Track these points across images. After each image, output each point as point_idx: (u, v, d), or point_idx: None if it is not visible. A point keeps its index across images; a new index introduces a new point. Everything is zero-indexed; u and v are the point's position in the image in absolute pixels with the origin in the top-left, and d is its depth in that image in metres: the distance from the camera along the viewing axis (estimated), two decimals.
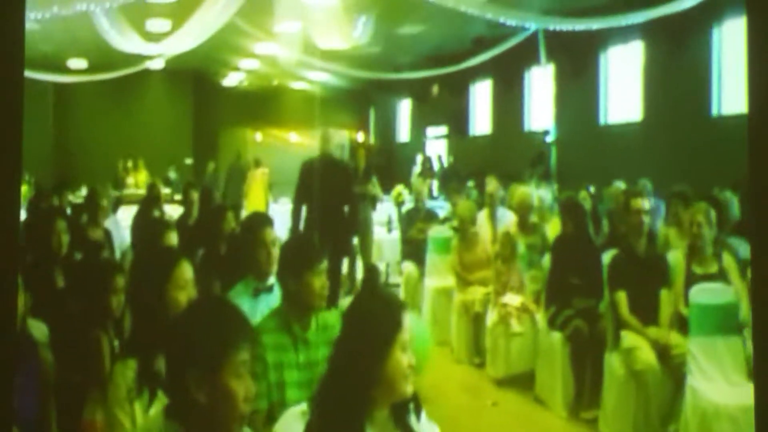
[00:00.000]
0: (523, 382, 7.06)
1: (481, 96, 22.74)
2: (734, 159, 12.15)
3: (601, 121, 17.16)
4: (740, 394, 5.14)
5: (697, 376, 5.33)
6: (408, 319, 2.61)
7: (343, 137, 24.30)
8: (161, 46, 15.57)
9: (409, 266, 10.06)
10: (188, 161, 24.94)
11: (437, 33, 18.94)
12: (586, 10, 14.58)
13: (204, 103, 26.46)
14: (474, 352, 8.00)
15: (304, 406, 2.67)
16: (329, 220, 8.05)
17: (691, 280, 5.89)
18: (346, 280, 9.25)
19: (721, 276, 5.92)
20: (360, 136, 27.61)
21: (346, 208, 8.54)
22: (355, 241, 9.96)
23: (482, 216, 9.17)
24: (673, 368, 5.56)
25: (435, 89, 23.30)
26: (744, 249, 6.86)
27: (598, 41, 16.29)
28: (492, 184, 10.22)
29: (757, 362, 1.81)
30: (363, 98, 28.41)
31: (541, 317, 7.03)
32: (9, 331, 1.94)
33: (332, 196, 8.21)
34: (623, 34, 15.38)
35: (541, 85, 19.04)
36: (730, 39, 13.90)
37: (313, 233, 7.66)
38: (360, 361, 2.55)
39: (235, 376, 2.29)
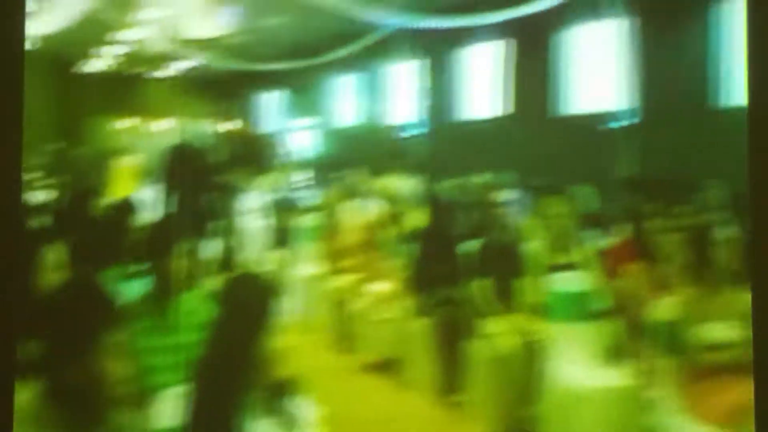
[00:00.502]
0: (392, 367, 7.11)
1: (349, 88, 22.77)
2: (591, 155, 12.61)
3: (466, 115, 17.43)
4: (598, 376, 5.34)
5: (556, 360, 5.49)
6: (281, 302, 2.60)
7: (209, 126, 23.91)
8: None
9: (278, 254, 9.99)
10: (52, 147, 24.01)
11: (303, 25, 18.84)
12: (446, 8, 14.77)
13: (68, 89, 25.51)
14: (344, 339, 8.01)
15: (179, 389, 2.62)
16: (191, 206, 7.92)
17: (550, 268, 6.07)
18: (210, 265, 9.11)
19: (579, 265, 6.13)
20: (227, 126, 27.21)
21: (209, 196, 8.42)
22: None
23: (350, 205, 9.19)
24: (535, 353, 5.70)
25: (303, 81, 23.21)
26: (599, 241, 7.12)
27: (461, 38, 16.53)
28: (359, 175, 10.27)
29: (757, 364, 1.82)
30: (230, 88, 27.99)
31: (408, 304, 7.10)
32: (9, 331, 1.90)
33: (195, 184, 8.07)
34: (485, 33, 15.65)
35: (406, 79, 19.20)
36: (582, 41, 14.37)
37: (175, 218, 7.52)
38: (235, 344, 2.51)
39: (108, 358, 2.23)
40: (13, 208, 1.84)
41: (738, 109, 11.33)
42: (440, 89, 17.69)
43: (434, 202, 7.48)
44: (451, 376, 6.45)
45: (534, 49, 14.88)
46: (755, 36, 1.68)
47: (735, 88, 11.50)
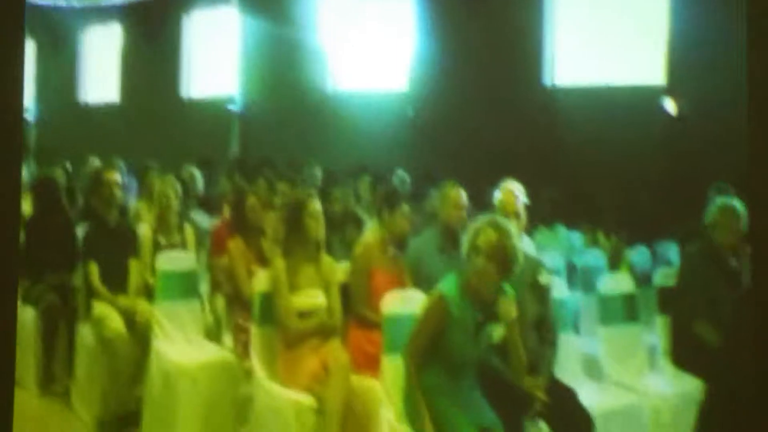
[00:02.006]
0: None
1: None
2: (201, 138, 12.58)
3: (81, 101, 16.60)
4: (199, 352, 5.28)
5: (161, 339, 5.34)
6: None
7: None
8: None
9: None
10: None
11: None
12: None
13: None
14: None
15: None
16: None
17: (157, 249, 5.90)
18: None
19: (183, 245, 6.03)
20: None
21: None
22: None
23: None
24: (140, 333, 5.50)
25: None
26: (205, 221, 7.09)
27: (78, 20, 15.72)
28: None
29: (758, 364, 1.68)
30: None
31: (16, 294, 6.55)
32: (9, 331, 1.81)
33: None
34: (103, 16, 15.01)
35: (26, 61, 17.90)
36: (199, 28, 14.29)
37: None
38: None
39: None
40: (12, 208, 1.79)
41: (347, 94, 11.89)
42: (59, 72, 16.70)
43: (42, 188, 6.95)
44: (56, 365, 6.04)
45: (156, 33, 14.52)
46: (755, 34, 1.58)
47: (347, 74, 12.05)
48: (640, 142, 8.76)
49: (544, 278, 4.61)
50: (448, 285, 4.00)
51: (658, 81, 9.26)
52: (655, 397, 4.99)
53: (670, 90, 9.05)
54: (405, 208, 5.11)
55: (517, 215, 4.64)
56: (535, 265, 4.60)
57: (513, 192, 4.89)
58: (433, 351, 3.95)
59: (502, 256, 3.89)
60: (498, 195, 4.85)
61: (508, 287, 4.07)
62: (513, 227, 4.05)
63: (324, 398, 4.35)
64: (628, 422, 4.75)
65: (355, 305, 4.92)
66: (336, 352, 4.59)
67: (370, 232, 5.48)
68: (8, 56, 1.78)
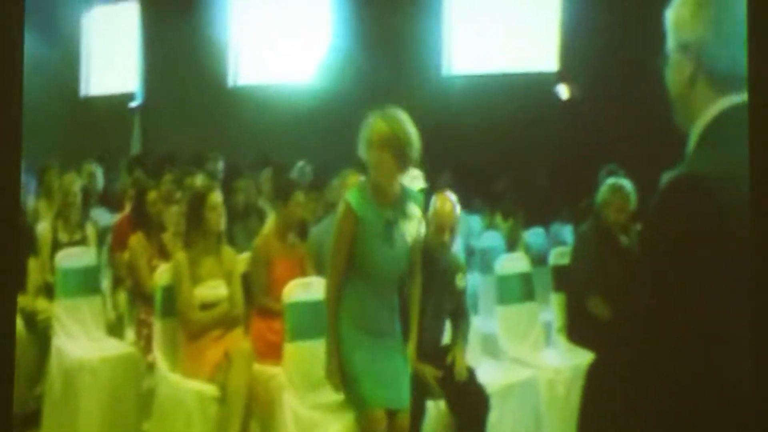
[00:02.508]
0: None
1: None
2: (102, 135, 12.32)
3: None
4: (100, 347, 5.21)
5: (61, 337, 5.24)
6: None
7: None
8: None
9: None
10: None
11: None
12: None
13: None
14: None
15: None
16: None
17: (58, 247, 5.78)
18: None
19: (85, 242, 5.93)
20: None
21: None
22: None
23: None
24: (40, 332, 5.40)
25: None
26: (106, 217, 6.97)
27: None
28: None
29: (758, 365, 1.61)
30: None
31: None
32: (9, 330, 1.78)
33: None
34: None
35: None
36: (98, 24, 14.00)
37: None
38: None
39: None
40: (12, 210, 1.77)
41: (249, 87, 11.81)
42: None
43: None
44: None
45: (55, 29, 14.12)
46: (756, 33, 1.54)
47: (248, 68, 11.95)
48: (534, 127, 8.95)
49: (460, 281, 4.61)
50: (351, 191, 3.90)
51: (550, 67, 9.49)
52: (550, 371, 5.14)
53: (563, 76, 9.28)
54: (299, 196, 5.11)
55: (452, 228, 4.44)
56: (456, 267, 4.61)
57: (450, 200, 4.52)
58: (352, 269, 3.82)
59: (396, 144, 3.76)
60: (436, 203, 4.47)
61: (413, 191, 4.03)
62: (402, 114, 3.86)
63: (226, 387, 4.35)
64: (524, 396, 4.87)
65: (256, 295, 4.92)
66: (237, 341, 4.59)
67: (269, 222, 5.47)
68: (7, 47, 1.78)
